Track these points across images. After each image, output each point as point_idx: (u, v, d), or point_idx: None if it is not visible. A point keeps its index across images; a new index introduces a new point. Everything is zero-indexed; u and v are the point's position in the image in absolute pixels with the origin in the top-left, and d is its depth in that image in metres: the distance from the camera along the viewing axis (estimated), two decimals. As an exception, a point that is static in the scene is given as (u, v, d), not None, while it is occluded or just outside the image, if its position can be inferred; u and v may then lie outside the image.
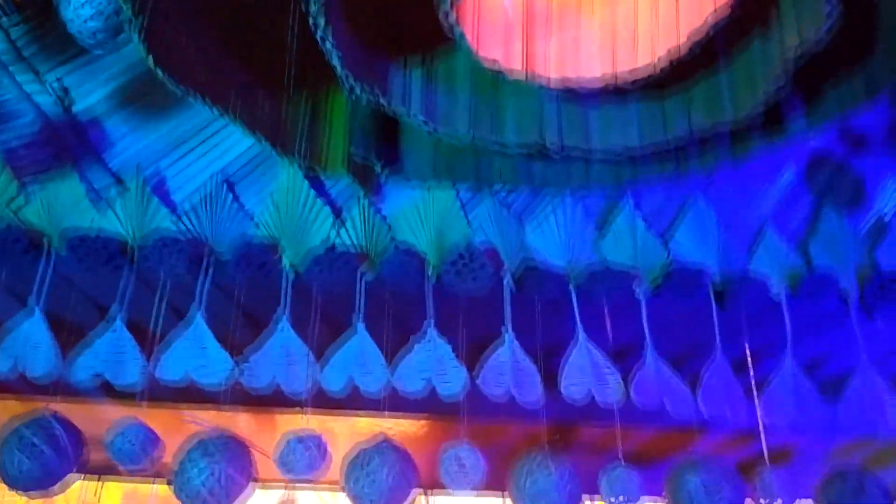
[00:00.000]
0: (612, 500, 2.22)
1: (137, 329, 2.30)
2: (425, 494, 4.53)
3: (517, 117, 2.27)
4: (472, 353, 2.37)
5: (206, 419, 2.35)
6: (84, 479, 4.43)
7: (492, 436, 2.93)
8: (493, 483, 2.39)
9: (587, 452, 2.92)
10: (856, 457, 2.94)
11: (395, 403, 3.15)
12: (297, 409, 2.78)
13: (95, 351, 2.21)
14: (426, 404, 3.02)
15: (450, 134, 2.23)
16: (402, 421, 3.47)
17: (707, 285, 2.48)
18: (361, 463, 2.12)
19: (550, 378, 2.39)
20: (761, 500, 2.34)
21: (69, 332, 2.24)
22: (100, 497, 4.82)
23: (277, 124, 2.29)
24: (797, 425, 2.55)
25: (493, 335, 2.40)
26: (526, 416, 2.59)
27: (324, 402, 3.11)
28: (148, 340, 2.26)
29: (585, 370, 2.35)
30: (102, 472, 4.33)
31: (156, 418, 2.98)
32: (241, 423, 3.32)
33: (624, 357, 2.48)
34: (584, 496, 2.39)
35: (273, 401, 2.44)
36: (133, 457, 2.12)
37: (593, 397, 2.38)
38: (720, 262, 2.51)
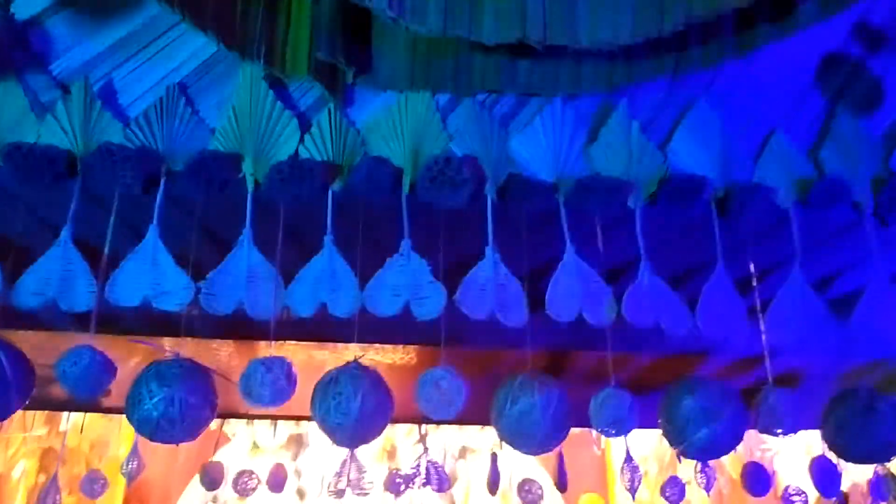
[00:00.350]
0: (603, 426, 2.06)
1: (90, 253, 2.13)
2: (420, 427, 4.46)
3: (496, 9, 2.05)
4: (453, 274, 2.19)
5: (183, 351, 2.18)
6: (69, 413, 4.38)
7: (481, 365, 2.78)
8: (482, 415, 2.24)
9: (579, 382, 2.77)
10: (867, 380, 2.77)
11: (386, 333, 3.00)
12: (281, 339, 2.64)
13: (42, 273, 2.05)
14: (420, 334, 2.86)
15: (420, 28, 2.02)
16: (393, 351, 3.33)
17: (708, 196, 2.27)
18: (329, 387, 1.96)
19: (538, 302, 2.21)
20: (765, 427, 2.17)
21: (14, 254, 2.07)
22: (82, 430, 4.78)
23: (231, 21, 2.09)
24: (804, 347, 2.38)
25: (474, 255, 2.21)
26: (515, 345, 2.44)
27: (310, 333, 2.97)
28: (100, 263, 2.09)
29: (574, 288, 2.17)
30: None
31: (132, 350, 2.85)
32: (223, 354, 3.19)
33: (617, 277, 2.30)
34: (576, 429, 2.23)
35: (255, 331, 2.29)
36: (85, 385, 1.96)
37: (583, 319, 2.21)
38: (723, 170, 2.30)
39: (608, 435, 2.05)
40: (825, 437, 2.21)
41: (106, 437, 6.58)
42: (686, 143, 2.31)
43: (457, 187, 2.15)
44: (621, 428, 2.06)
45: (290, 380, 2.04)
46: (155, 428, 1.93)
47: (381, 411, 1.99)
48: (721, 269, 2.26)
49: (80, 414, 4.96)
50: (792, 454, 5.78)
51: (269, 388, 1.99)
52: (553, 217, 2.24)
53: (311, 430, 7.54)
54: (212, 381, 2.03)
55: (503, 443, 2.16)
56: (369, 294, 2.09)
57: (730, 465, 6.06)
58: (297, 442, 7.66)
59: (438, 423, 4.47)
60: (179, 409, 1.91)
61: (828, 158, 2.37)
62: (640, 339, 2.61)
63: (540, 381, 2.02)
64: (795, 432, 2.15)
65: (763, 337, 2.25)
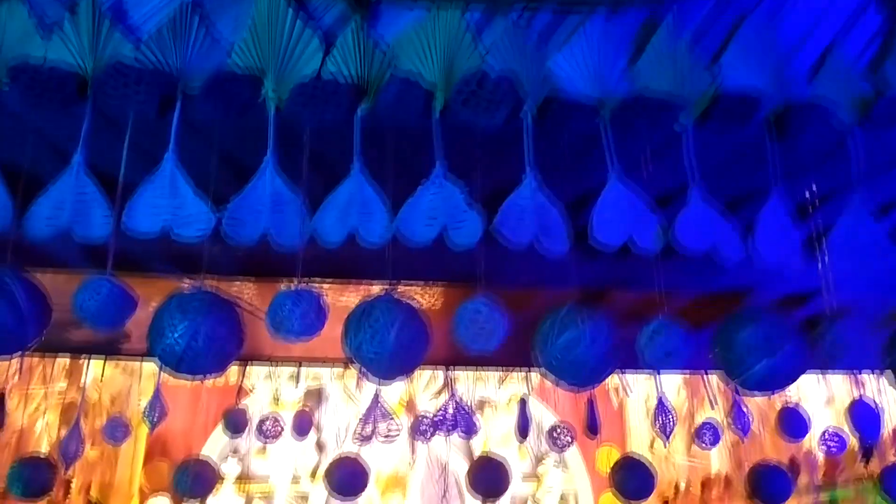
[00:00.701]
0: (654, 358, 1.93)
1: (104, 180, 2.00)
2: (446, 371, 4.37)
3: None
4: (489, 202, 2.06)
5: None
6: (89, 358, 4.32)
7: (517, 305, 2.66)
8: (518, 357, 2.13)
9: (621, 322, 2.65)
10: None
11: (416, 270, 2.87)
12: (305, 278, 2.51)
13: (55, 200, 1.92)
14: (451, 271, 2.72)
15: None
16: (421, 292, 3.22)
17: (762, 116, 2.11)
18: (362, 318, 1.84)
19: (579, 236, 2.07)
20: (826, 361, 2.04)
21: (24, 183, 1.96)
22: (102, 377, 4.73)
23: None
24: (861, 279, 2.23)
25: (512, 181, 2.07)
26: (553, 282, 2.31)
27: (335, 271, 2.84)
28: (116, 191, 1.97)
29: (620, 214, 2.02)
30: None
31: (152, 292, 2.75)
32: (245, 294, 3.10)
33: (666, 203, 2.16)
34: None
35: (278, 269, 2.17)
36: (105, 317, 1.86)
37: (626, 254, 2.07)
38: (778, 88, 2.13)
39: (661, 367, 1.92)
40: (889, 369, 2.08)
41: (126, 390, 6.58)
42: (738, 59, 2.14)
43: (492, 108, 2.00)
44: (674, 360, 1.93)
45: (320, 312, 1.93)
46: (179, 360, 1.82)
47: (418, 342, 1.87)
48: (777, 194, 2.11)
49: (100, 366, 4.92)
50: (813, 402, 5.69)
51: (299, 320, 1.88)
52: (596, 139, 2.09)
53: (331, 385, 7.52)
54: (237, 313, 1.92)
55: (546, 377, 2.05)
56: (402, 221, 1.95)
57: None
58: (317, 396, 7.63)
59: (468, 363, 4.37)
60: (205, 340, 1.80)
61: (889, 76, 2.20)
62: (686, 275, 2.47)
63: (588, 310, 1.90)
64: (856, 367, 2.03)
65: (821, 266, 2.10)
